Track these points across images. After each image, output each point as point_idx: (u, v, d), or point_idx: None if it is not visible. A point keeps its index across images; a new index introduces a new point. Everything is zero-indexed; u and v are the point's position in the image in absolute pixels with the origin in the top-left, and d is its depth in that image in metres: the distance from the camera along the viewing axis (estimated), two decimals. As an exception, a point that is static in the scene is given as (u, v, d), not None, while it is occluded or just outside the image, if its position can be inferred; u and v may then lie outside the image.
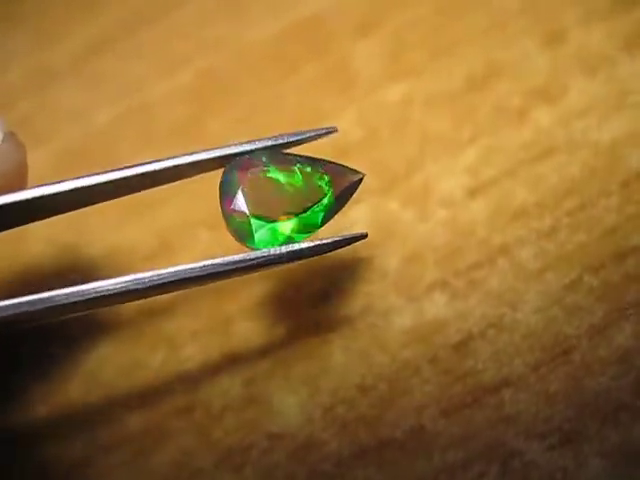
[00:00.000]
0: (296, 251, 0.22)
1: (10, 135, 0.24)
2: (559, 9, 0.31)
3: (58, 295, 0.21)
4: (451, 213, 0.29)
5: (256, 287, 0.29)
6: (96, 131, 0.34)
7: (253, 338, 0.28)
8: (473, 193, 0.29)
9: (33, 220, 0.23)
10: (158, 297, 0.29)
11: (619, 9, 0.31)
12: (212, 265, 0.22)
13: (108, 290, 0.22)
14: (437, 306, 0.27)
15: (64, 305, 0.21)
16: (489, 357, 0.26)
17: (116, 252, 0.31)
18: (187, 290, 0.29)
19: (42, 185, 0.22)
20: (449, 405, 0.26)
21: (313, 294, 0.29)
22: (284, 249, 0.22)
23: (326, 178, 0.23)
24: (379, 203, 0.29)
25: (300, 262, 0.22)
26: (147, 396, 0.28)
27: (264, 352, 0.28)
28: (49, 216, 0.23)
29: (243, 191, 0.22)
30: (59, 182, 0.22)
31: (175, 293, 0.29)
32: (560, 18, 0.31)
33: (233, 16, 0.35)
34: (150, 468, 0.27)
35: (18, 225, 0.23)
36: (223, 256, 0.22)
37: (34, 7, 0.37)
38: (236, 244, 0.30)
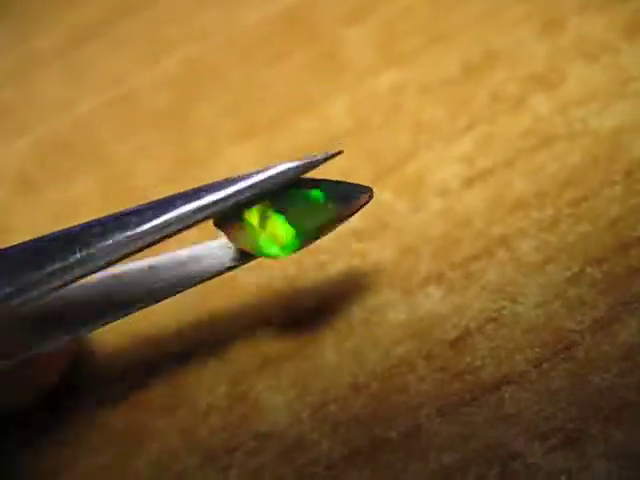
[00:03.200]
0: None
1: None
2: (557, -5, 0.31)
3: None
4: (447, 203, 0.28)
5: (243, 281, 0.28)
6: (80, 120, 0.34)
7: (240, 334, 0.28)
8: (470, 183, 0.28)
9: None
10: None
11: (618, -5, 0.30)
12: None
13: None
14: (433, 300, 0.27)
15: None
16: (488, 353, 0.26)
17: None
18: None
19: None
20: (446, 404, 0.25)
21: (303, 288, 0.28)
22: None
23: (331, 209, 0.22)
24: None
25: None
26: (130, 394, 0.28)
27: (252, 349, 0.27)
28: None
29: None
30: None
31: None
32: (558, 5, 0.31)
33: (221, 3, 0.35)
34: (133, 469, 0.27)
35: None
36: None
37: (18, -6, 0.37)
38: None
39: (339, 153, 0.22)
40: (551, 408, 0.24)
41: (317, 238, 0.22)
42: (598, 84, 0.29)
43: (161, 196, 0.30)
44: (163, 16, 0.35)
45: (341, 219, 0.22)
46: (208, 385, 0.27)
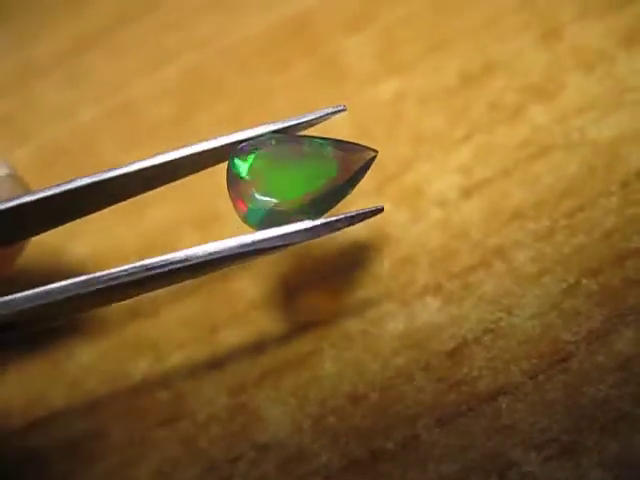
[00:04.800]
0: (310, 229, 0.21)
1: None
2: (555, 5, 0.31)
3: (72, 283, 0.21)
4: (445, 214, 0.28)
5: (244, 293, 0.29)
6: (81, 128, 0.34)
7: (241, 346, 0.28)
8: (467, 193, 0.28)
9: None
10: (143, 303, 0.29)
11: (616, 5, 0.30)
12: (228, 248, 0.21)
13: (118, 277, 0.21)
14: (431, 311, 0.27)
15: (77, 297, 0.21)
16: (485, 364, 0.25)
17: (103, 252, 0.31)
18: (173, 296, 0.29)
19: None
20: (444, 414, 0.25)
21: (303, 300, 0.28)
22: (300, 226, 0.21)
23: (336, 157, 0.22)
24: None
25: (310, 242, 0.22)
26: (131, 405, 0.28)
27: (252, 360, 0.27)
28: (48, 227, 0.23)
29: (250, 175, 0.22)
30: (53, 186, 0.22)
31: (162, 299, 0.29)
32: (556, 15, 0.31)
33: (221, 12, 0.35)
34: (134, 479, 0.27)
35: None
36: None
37: (18, 3, 0.37)
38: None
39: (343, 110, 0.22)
40: (547, 419, 0.24)
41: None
42: (596, 94, 0.29)
43: (162, 205, 0.30)
44: (163, 25, 0.35)
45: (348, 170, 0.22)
46: (208, 396, 0.27)
